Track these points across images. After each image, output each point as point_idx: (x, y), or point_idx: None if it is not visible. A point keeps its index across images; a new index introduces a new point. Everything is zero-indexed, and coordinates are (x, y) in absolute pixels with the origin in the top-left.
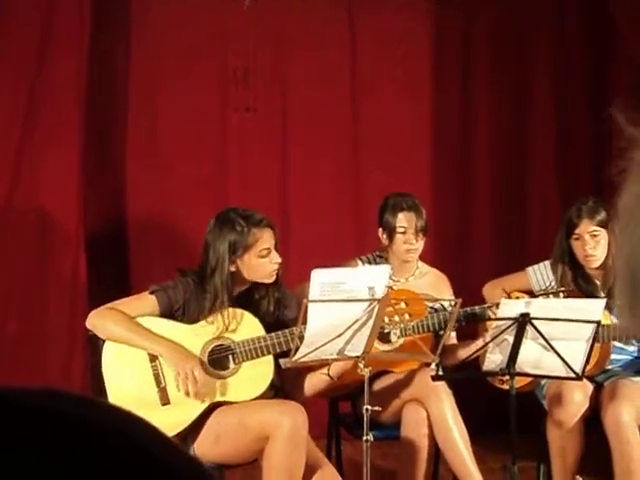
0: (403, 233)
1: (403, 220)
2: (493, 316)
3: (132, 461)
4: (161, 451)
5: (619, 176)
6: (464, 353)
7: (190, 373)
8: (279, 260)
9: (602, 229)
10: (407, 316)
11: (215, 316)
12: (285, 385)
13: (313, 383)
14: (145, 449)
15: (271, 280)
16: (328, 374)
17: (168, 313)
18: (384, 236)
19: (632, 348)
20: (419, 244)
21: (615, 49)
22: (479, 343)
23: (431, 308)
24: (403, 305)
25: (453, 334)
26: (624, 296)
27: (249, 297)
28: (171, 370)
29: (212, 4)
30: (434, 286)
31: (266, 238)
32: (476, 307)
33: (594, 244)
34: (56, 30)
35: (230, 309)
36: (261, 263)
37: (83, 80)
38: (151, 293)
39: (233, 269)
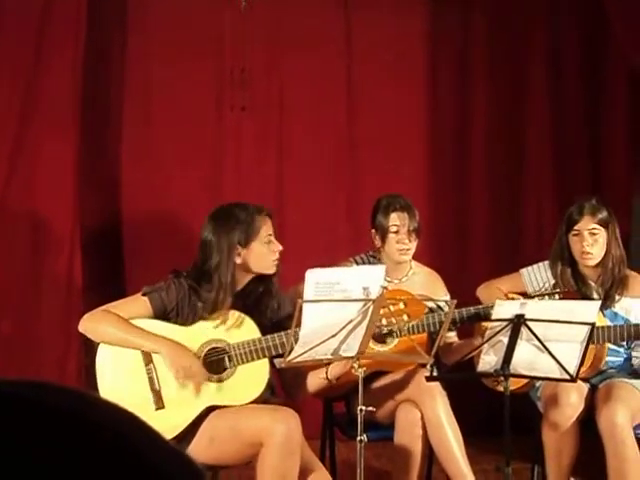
0: (396, 232)
1: (396, 219)
2: (489, 317)
3: (122, 460)
4: (153, 452)
5: None
6: (466, 350)
7: (189, 368)
8: (280, 248)
9: (602, 228)
10: (405, 317)
11: (211, 317)
12: (285, 384)
13: (312, 383)
14: (137, 449)
15: (273, 271)
16: (326, 376)
17: (162, 315)
18: (377, 237)
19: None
20: (412, 244)
21: (609, 46)
22: (475, 343)
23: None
24: (402, 306)
25: (454, 333)
26: None
27: (247, 295)
28: (166, 373)
29: (208, 4)
30: (428, 285)
31: (269, 224)
32: (471, 308)
33: (592, 242)
34: (52, 28)
35: (229, 311)
36: (265, 252)
37: (79, 78)
38: (144, 295)
39: (239, 261)
